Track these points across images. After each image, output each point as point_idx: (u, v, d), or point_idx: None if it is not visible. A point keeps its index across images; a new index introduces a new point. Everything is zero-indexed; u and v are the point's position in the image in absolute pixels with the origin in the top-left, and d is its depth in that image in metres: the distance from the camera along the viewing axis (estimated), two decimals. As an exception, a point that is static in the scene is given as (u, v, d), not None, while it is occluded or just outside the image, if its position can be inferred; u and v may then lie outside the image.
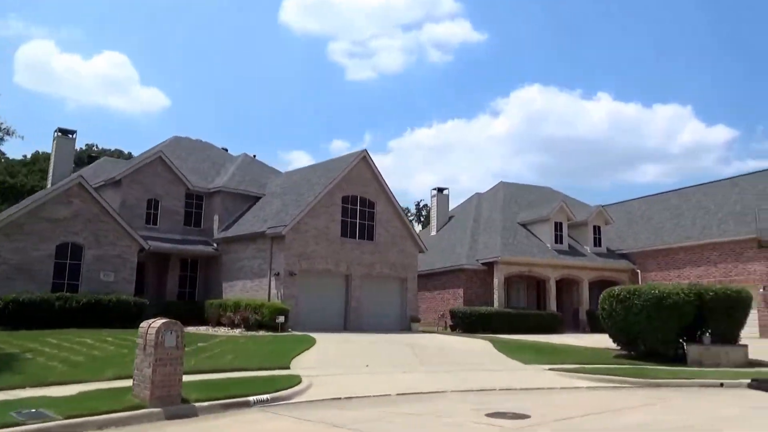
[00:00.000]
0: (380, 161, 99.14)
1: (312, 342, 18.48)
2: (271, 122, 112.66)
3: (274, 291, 24.05)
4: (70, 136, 31.89)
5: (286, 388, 10.62)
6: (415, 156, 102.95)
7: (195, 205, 29.55)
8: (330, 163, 28.99)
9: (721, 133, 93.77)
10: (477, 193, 42.41)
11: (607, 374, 14.13)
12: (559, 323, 30.26)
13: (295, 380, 11.43)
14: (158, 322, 9.01)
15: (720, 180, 33.76)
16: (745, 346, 17.51)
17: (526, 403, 10.41)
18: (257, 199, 29.97)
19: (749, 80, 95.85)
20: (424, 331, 27.80)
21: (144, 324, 9.24)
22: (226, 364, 13.40)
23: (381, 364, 15.21)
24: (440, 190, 41.59)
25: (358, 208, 26.77)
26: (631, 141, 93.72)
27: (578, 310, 32.75)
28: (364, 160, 27.14)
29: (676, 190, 36.50)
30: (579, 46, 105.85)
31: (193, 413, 8.86)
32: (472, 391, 11.89)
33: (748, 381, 13.35)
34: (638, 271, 32.80)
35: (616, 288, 18.48)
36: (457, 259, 32.61)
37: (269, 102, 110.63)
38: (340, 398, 10.53)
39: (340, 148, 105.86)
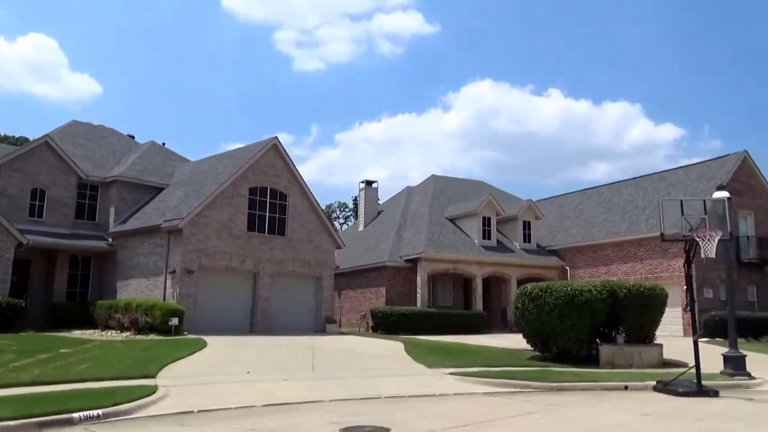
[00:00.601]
0: (327, 155, 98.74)
1: (200, 346, 17.50)
2: (212, 113, 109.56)
3: (169, 290, 22.80)
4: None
5: (128, 401, 9.63)
6: (363, 150, 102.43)
7: (89, 196, 27.86)
8: (238, 151, 27.81)
9: (669, 131, 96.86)
10: (408, 187, 41.95)
11: (509, 378, 13.69)
12: (484, 323, 29.98)
13: (146, 391, 10.46)
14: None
15: (650, 174, 34.17)
16: (660, 345, 17.46)
17: (400, 414, 9.79)
18: (160, 190, 28.52)
19: (696, 80, 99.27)
20: (341, 333, 27.08)
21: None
22: (77, 374, 12.25)
23: (268, 370, 14.34)
24: (369, 183, 40.96)
25: (268, 200, 25.71)
26: (581, 138, 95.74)
27: (506, 309, 32.61)
28: (274, 148, 26.09)
29: (608, 183, 36.85)
30: (531, 41, 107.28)
31: (-7, 434, 7.79)
32: (354, 400, 11.21)
33: (654, 383, 13.17)
34: (567, 267, 32.92)
35: (529, 285, 18.15)
36: (381, 255, 31.98)
37: (211, 92, 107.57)
38: (191, 411, 9.63)
39: (285, 141, 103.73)
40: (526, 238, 34.18)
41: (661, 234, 12.43)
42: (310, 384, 12.65)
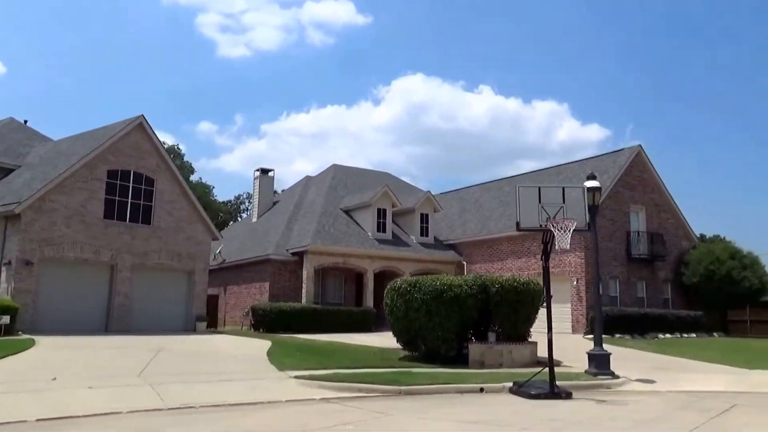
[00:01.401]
0: (253, 146, 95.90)
1: (24, 348, 15.86)
2: (129, 100, 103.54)
3: (4, 285, 20.71)
4: None
5: None
6: (291, 142, 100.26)
7: (-76, 177, 25.18)
8: (101, 130, 25.74)
9: (595, 132, 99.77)
10: (307, 176, 40.82)
11: (358, 381, 12.74)
12: (375, 320, 29.16)
13: None
14: None
15: (548, 168, 34.31)
16: (534, 343, 17.01)
17: (201, 425, 8.67)
18: (11, 171, 26.07)
19: (621, 82, 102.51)
20: (216, 332, 25.74)
21: None
22: None
23: (82, 376, 12.83)
24: (264, 171, 39.47)
25: (132, 185, 23.88)
26: (510, 136, 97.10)
27: (400, 305, 31.86)
28: (140, 127, 24.29)
29: (508, 177, 36.79)
30: (463, 35, 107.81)
31: None
32: (160, 410, 9.95)
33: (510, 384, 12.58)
34: (465, 262, 32.54)
35: (399, 280, 17.43)
36: (266, 248, 30.62)
37: (127, 77, 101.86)
38: (-66, 430, 8.13)
39: (207, 131, 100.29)
40: (424, 231, 33.61)
41: (517, 223, 11.78)
42: (120, 392, 11.28)
